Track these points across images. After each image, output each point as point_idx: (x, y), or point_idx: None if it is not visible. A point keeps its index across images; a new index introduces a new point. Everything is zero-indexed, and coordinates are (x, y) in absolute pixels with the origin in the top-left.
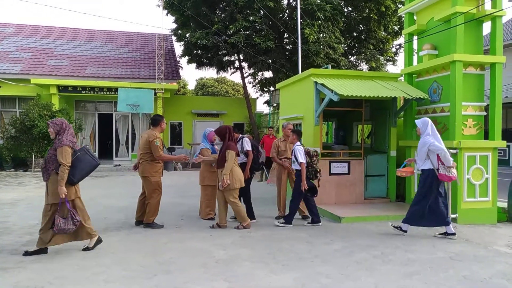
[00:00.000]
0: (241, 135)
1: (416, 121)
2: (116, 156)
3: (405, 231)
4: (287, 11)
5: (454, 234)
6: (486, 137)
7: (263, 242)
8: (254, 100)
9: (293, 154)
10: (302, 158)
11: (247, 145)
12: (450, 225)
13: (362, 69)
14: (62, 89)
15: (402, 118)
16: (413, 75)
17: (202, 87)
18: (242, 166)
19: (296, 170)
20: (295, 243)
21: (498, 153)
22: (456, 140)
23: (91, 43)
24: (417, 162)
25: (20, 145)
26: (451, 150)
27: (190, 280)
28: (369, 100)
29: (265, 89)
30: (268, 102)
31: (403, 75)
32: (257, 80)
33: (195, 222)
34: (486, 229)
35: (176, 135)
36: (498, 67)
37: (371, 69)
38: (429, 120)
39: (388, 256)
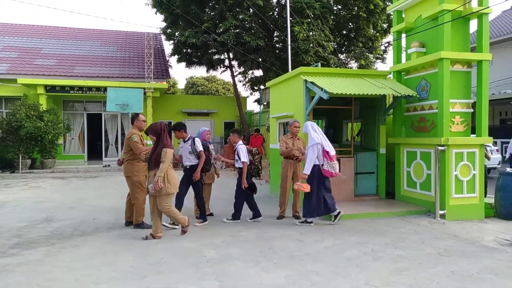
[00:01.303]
0: (190, 135)
1: (303, 130)
2: (106, 156)
3: (311, 222)
4: (276, 9)
5: (340, 212)
6: (473, 133)
7: (254, 241)
8: (245, 98)
9: (236, 153)
10: (244, 157)
11: (199, 146)
12: (336, 211)
13: (351, 67)
14: (49, 89)
15: (391, 116)
16: (402, 73)
17: (192, 86)
18: (194, 168)
19: (239, 168)
20: (286, 241)
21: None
22: (444, 137)
23: (79, 42)
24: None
25: (7, 146)
26: (439, 147)
27: (181, 280)
28: (358, 98)
29: (256, 88)
30: (258, 101)
31: (392, 73)
32: (247, 79)
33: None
34: (473, 225)
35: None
36: (484, 65)
37: (360, 67)
38: (308, 122)
39: (378, 253)
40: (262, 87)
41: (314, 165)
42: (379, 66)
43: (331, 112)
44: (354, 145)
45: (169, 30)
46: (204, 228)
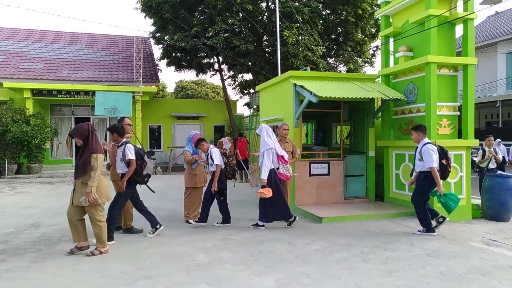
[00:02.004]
0: (124, 140)
1: (257, 130)
2: None
3: (262, 225)
4: (266, 14)
5: (296, 217)
6: (460, 136)
7: (244, 244)
8: (234, 102)
9: (209, 156)
10: (218, 160)
11: (130, 153)
12: (293, 216)
13: (340, 71)
14: (36, 92)
15: (380, 119)
16: (390, 76)
17: (182, 89)
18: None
19: (212, 172)
20: (276, 244)
21: (472, 151)
22: (432, 139)
23: (66, 46)
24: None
25: None
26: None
27: (172, 285)
28: (347, 101)
29: (245, 91)
30: (248, 104)
31: (380, 76)
32: (237, 83)
33: (175, 226)
34: (461, 226)
35: (155, 139)
36: (470, 69)
37: (349, 70)
38: (263, 125)
39: (367, 255)
40: (252, 90)
41: (270, 170)
42: (368, 70)
43: (321, 116)
44: (344, 148)
45: (158, 34)
46: (195, 232)
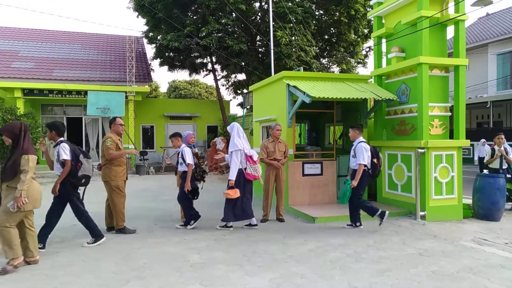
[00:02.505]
0: (61, 138)
1: (228, 128)
2: None
3: (231, 227)
4: (259, 14)
5: (256, 225)
6: (451, 136)
7: (237, 244)
8: (228, 102)
9: (180, 155)
10: (190, 159)
11: (65, 153)
12: (254, 218)
13: (333, 71)
14: (27, 92)
15: (373, 119)
16: (383, 77)
17: (175, 89)
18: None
19: (183, 171)
20: (270, 244)
21: (463, 151)
22: (423, 139)
23: (58, 45)
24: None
25: None
26: (419, 150)
27: (165, 286)
28: (340, 102)
29: (239, 92)
30: (241, 105)
31: (373, 77)
32: (230, 83)
33: (168, 226)
34: (453, 225)
35: (148, 139)
36: (461, 69)
37: (342, 71)
38: (235, 124)
39: (360, 254)
40: (245, 91)
41: (238, 169)
42: (360, 70)
43: (314, 116)
44: (336, 148)
45: (151, 34)
46: (188, 232)
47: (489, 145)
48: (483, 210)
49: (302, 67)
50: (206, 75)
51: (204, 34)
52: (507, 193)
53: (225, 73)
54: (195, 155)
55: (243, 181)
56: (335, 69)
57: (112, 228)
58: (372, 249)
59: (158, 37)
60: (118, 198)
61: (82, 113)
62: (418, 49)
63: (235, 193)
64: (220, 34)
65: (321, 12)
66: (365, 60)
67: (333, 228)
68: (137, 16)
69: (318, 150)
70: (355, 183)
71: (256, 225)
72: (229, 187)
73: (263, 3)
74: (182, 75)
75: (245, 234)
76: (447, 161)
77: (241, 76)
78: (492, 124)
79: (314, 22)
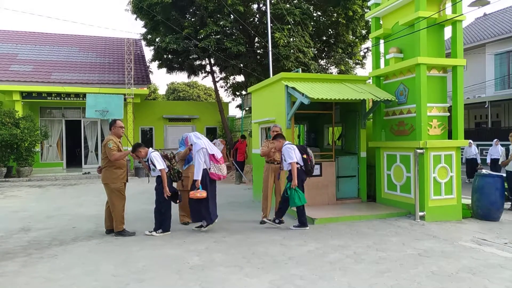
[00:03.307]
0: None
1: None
2: (85, 163)
3: (201, 226)
4: (257, 16)
5: (208, 225)
6: (450, 137)
7: (237, 246)
8: (226, 104)
9: (150, 162)
10: (160, 165)
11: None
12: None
13: (331, 73)
14: (25, 95)
15: (371, 120)
16: (381, 78)
17: (173, 91)
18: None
19: (157, 177)
20: (269, 246)
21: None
22: (422, 140)
23: (56, 48)
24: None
25: None
26: (418, 150)
27: None
28: (339, 103)
29: (237, 93)
30: (240, 106)
31: (371, 78)
32: (229, 84)
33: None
34: (452, 226)
35: (147, 141)
36: (459, 70)
37: (340, 72)
38: (188, 134)
39: (360, 255)
40: (244, 92)
41: (203, 170)
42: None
43: (312, 117)
44: (335, 149)
45: (149, 36)
46: (187, 234)
47: (504, 145)
48: (482, 210)
49: (300, 69)
50: (205, 77)
51: (202, 36)
52: (506, 192)
53: (223, 75)
54: (165, 157)
55: (208, 181)
56: (334, 70)
57: (112, 231)
58: (372, 250)
59: (157, 39)
60: (118, 201)
61: (80, 116)
62: (416, 49)
63: (202, 194)
64: (218, 36)
65: (319, 13)
66: (363, 61)
67: (333, 229)
68: (136, 19)
69: (317, 151)
70: (294, 182)
71: (202, 226)
72: (195, 188)
73: (261, 5)
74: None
75: (244, 236)
76: (446, 161)
77: (240, 78)
78: (491, 124)
79: (312, 23)
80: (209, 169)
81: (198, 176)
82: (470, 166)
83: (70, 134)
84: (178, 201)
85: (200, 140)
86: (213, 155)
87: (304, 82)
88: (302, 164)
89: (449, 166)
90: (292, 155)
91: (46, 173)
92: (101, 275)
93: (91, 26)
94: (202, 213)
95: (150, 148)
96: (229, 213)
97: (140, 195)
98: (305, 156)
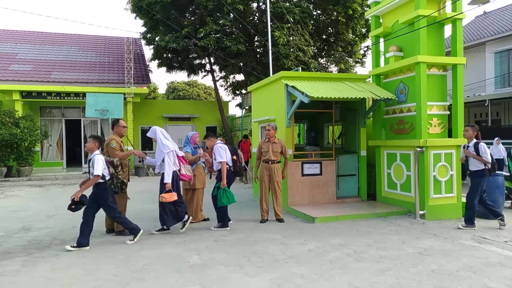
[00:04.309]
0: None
1: (148, 135)
2: (85, 163)
3: (168, 229)
4: (256, 14)
5: (168, 229)
6: (450, 135)
7: (237, 245)
8: (226, 103)
9: (91, 163)
10: (98, 170)
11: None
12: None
13: (331, 71)
14: (25, 94)
15: (371, 119)
16: (381, 76)
17: (173, 90)
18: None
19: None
20: (270, 245)
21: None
22: (422, 138)
23: (56, 47)
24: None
25: None
26: (418, 149)
27: (164, 287)
28: (339, 102)
29: (237, 92)
30: (240, 105)
31: (371, 76)
32: (228, 83)
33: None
34: (452, 224)
35: (147, 140)
36: (459, 68)
37: (340, 71)
38: (156, 127)
39: (360, 254)
40: (243, 91)
41: (173, 172)
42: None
43: (313, 116)
44: (336, 148)
45: (149, 35)
46: (187, 233)
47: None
48: (482, 208)
49: (300, 67)
50: (205, 76)
51: (202, 35)
52: (506, 191)
53: (223, 73)
54: (110, 163)
55: (177, 183)
56: (333, 68)
57: (112, 230)
58: (372, 249)
59: (156, 39)
60: (120, 200)
61: (80, 115)
62: (416, 48)
63: (171, 197)
64: (218, 35)
65: (319, 12)
66: (363, 59)
67: (333, 228)
68: (135, 18)
69: (317, 150)
70: (224, 182)
71: (187, 220)
72: (166, 191)
73: (260, 4)
74: (180, 76)
75: (244, 235)
76: (446, 159)
77: (240, 77)
78: (491, 122)
79: (311, 22)
80: (179, 170)
81: (168, 179)
82: (502, 167)
83: (70, 133)
84: (74, 210)
85: (168, 142)
86: (182, 157)
87: (304, 81)
88: (231, 165)
89: (449, 165)
90: (222, 155)
91: (46, 173)
92: (101, 274)
93: (90, 25)
94: (163, 216)
95: (97, 150)
96: (229, 212)
97: (140, 195)
98: (235, 157)
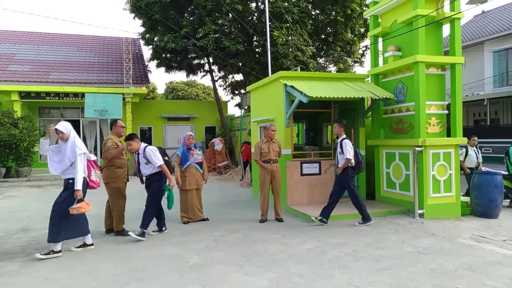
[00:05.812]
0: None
1: (58, 127)
2: None
3: (91, 245)
4: (255, 14)
5: (92, 244)
6: (448, 134)
7: (236, 245)
8: (225, 103)
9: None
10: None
11: None
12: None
13: (330, 71)
14: (24, 95)
15: (370, 118)
16: (379, 76)
17: (172, 90)
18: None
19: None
20: (269, 244)
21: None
22: (421, 138)
23: (55, 48)
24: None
25: None
26: (417, 148)
27: (164, 287)
28: (338, 101)
29: (236, 92)
30: (239, 105)
31: (370, 76)
32: (227, 83)
33: (167, 227)
34: (451, 223)
35: (146, 140)
36: (457, 67)
37: (339, 70)
38: (67, 123)
39: (359, 253)
40: (242, 91)
41: (84, 178)
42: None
43: (311, 116)
44: (334, 147)
45: (147, 35)
46: (187, 233)
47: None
48: (481, 207)
49: (299, 67)
50: (204, 76)
51: (201, 35)
52: (504, 190)
53: (222, 73)
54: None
55: (85, 191)
56: (332, 68)
57: (111, 231)
58: (371, 248)
59: (155, 39)
60: (119, 200)
61: (79, 116)
62: (414, 47)
63: (88, 206)
64: (216, 35)
65: (317, 11)
66: (362, 59)
67: (332, 227)
68: (134, 18)
69: (316, 150)
70: (172, 183)
71: (91, 244)
72: (78, 200)
73: (259, 3)
74: (179, 76)
75: (244, 234)
76: (444, 159)
77: (239, 77)
78: (489, 121)
79: (310, 21)
80: (89, 177)
81: (79, 185)
82: None
83: None
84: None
85: (81, 143)
86: (94, 161)
87: (302, 80)
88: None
89: (448, 164)
90: (159, 156)
91: (45, 173)
92: (100, 274)
93: (89, 26)
94: (84, 226)
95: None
96: (229, 212)
97: (139, 195)
98: (166, 158)
